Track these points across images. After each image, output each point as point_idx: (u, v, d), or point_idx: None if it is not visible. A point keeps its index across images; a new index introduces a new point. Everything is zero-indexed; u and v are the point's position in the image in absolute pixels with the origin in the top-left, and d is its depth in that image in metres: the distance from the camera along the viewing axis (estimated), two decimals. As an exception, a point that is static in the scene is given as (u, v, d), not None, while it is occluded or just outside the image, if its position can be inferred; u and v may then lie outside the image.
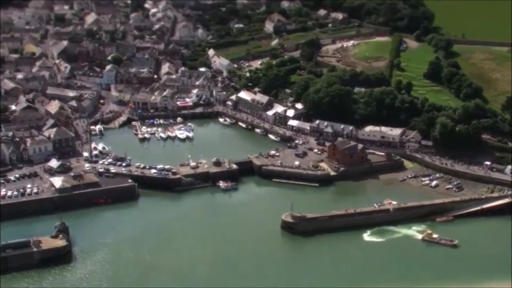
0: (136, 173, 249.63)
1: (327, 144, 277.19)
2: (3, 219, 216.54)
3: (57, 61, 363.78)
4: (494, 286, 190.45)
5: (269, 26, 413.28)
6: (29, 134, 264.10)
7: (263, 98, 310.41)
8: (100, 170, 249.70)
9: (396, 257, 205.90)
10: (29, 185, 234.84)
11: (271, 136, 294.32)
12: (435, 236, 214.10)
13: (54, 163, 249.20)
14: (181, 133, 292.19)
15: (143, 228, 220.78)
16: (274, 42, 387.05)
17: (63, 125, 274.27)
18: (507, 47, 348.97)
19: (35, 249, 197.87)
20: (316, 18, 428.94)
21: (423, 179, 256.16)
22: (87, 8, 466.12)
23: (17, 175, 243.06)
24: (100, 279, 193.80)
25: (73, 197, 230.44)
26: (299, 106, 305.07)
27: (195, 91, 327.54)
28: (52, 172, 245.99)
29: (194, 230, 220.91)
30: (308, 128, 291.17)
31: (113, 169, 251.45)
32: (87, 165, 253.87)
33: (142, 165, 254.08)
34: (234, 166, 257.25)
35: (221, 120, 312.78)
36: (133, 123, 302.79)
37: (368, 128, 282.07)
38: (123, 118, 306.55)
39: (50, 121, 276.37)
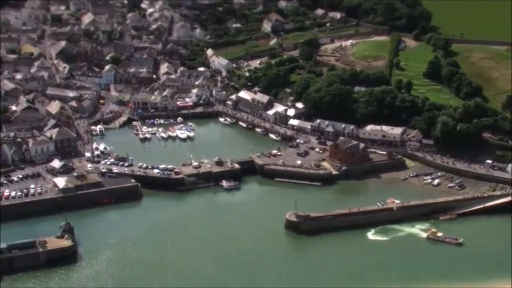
0: (138, 173, 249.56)
1: (328, 143, 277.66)
2: (7, 220, 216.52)
3: (55, 62, 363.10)
4: (501, 285, 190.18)
5: (267, 26, 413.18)
6: (30, 135, 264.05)
7: (263, 98, 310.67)
8: (103, 170, 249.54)
9: (401, 255, 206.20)
10: (32, 186, 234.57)
11: (272, 136, 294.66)
12: (439, 234, 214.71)
13: (56, 163, 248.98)
14: (182, 133, 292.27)
15: (147, 228, 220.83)
16: (273, 41, 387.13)
17: (64, 126, 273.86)
18: (505, 46, 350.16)
19: (41, 250, 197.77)
20: (313, 17, 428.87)
21: (425, 177, 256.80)
22: (83, 8, 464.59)
23: (20, 176, 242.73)
24: (106, 279, 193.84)
25: (77, 197, 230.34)
26: (299, 105, 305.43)
27: (194, 91, 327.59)
28: (55, 173, 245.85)
29: (198, 230, 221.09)
30: (309, 127, 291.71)
31: (115, 169, 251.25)
32: (89, 165, 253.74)
33: (144, 165, 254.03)
34: (237, 166, 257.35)
35: (221, 119, 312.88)
36: (134, 123, 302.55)
37: (369, 127, 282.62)
38: (123, 118, 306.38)
39: (51, 122, 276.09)
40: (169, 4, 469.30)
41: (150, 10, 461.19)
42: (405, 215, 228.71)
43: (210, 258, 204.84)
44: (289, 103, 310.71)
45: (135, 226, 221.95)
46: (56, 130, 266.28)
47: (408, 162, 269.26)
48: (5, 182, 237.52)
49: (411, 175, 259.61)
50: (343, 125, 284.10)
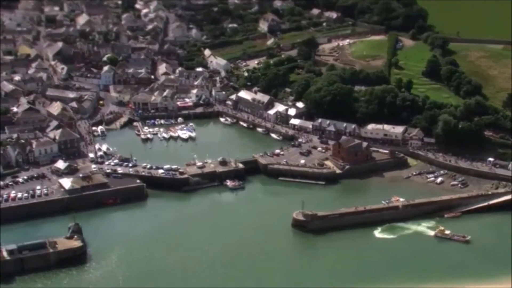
0: (143, 173, 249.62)
1: (330, 142, 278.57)
2: (14, 221, 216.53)
3: (52, 63, 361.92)
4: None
5: (263, 26, 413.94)
6: (33, 136, 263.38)
7: (263, 98, 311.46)
8: (107, 171, 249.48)
9: (410, 253, 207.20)
10: (38, 187, 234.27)
11: (273, 135, 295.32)
12: (447, 232, 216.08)
13: (61, 164, 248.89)
14: (183, 133, 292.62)
15: (154, 228, 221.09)
16: (270, 41, 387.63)
17: (66, 127, 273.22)
18: (501, 45, 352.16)
19: (51, 250, 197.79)
20: (309, 17, 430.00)
21: (428, 176, 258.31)
22: (77, 9, 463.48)
23: (25, 177, 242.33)
24: (117, 279, 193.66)
25: (83, 198, 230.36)
26: (300, 105, 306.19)
27: (194, 91, 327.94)
28: (60, 174, 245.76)
29: (205, 230, 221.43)
30: (310, 126, 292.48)
31: (120, 170, 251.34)
32: (93, 166, 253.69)
33: (148, 166, 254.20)
34: (241, 165, 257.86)
35: (222, 119, 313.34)
36: (134, 123, 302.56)
37: (371, 126, 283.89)
38: (124, 119, 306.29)
39: (54, 123, 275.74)
40: (163, 5, 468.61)
41: (144, 10, 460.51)
42: (411, 213, 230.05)
43: (219, 258, 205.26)
44: (290, 103, 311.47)
45: (142, 227, 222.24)
46: (59, 131, 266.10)
47: (410, 161, 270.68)
48: (10, 183, 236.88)
49: (414, 173, 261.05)
50: (345, 124, 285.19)
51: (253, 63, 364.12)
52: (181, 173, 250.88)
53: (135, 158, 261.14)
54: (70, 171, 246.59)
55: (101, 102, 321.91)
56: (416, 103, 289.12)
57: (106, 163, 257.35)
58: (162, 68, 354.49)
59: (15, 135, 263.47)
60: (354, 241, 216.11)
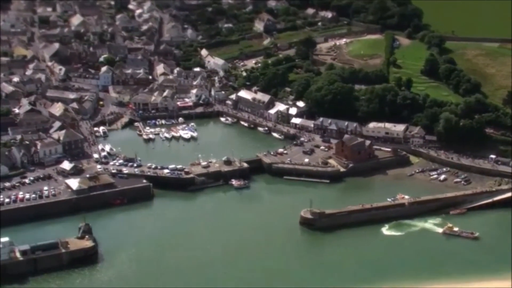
0: (149, 173, 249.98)
1: (333, 141, 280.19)
2: (23, 222, 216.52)
3: (49, 64, 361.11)
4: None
5: (259, 26, 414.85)
6: (37, 137, 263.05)
7: (264, 97, 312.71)
8: (113, 171, 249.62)
9: (420, 251, 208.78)
10: (45, 187, 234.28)
11: (275, 134, 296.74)
12: (456, 229, 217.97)
13: (66, 165, 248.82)
14: (185, 133, 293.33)
15: (162, 227, 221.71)
16: (267, 41, 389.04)
17: (69, 127, 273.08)
18: (497, 43, 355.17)
19: (63, 250, 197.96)
20: (304, 17, 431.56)
21: (430, 173, 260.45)
22: (70, 10, 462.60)
23: (32, 178, 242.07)
24: (130, 279, 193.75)
25: (90, 198, 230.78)
26: (300, 104, 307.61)
27: (194, 91, 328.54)
28: (65, 174, 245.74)
29: (213, 229, 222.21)
30: (312, 125, 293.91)
31: (125, 170, 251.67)
32: (98, 166, 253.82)
33: (153, 166, 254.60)
34: (245, 165, 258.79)
35: (222, 119, 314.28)
36: (136, 124, 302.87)
37: (372, 125, 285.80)
38: (125, 120, 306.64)
39: (57, 124, 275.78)
40: (156, 5, 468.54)
41: (138, 11, 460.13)
42: (417, 210, 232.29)
43: (228, 256, 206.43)
44: (290, 102, 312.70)
45: (150, 226, 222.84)
46: (63, 132, 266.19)
47: (412, 158, 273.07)
48: (17, 184, 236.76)
49: (417, 171, 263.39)
50: (346, 123, 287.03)
51: (251, 63, 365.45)
52: (187, 173, 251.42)
53: (139, 158, 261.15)
54: (75, 172, 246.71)
55: (101, 102, 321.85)
56: (416, 102, 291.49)
57: (111, 163, 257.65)
58: (160, 68, 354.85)
59: (18, 136, 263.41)
60: (362, 238, 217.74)
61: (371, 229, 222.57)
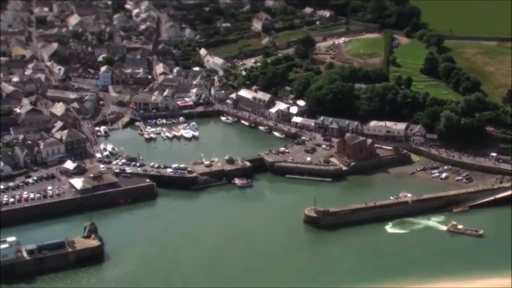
0: (152, 172, 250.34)
1: (334, 140, 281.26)
2: (27, 221, 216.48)
3: (48, 64, 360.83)
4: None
5: (257, 25, 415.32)
6: (40, 137, 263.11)
7: (264, 96, 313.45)
8: (116, 170, 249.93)
9: (425, 248, 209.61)
10: (49, 187, 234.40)
11: (276, 133, 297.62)
12: (460, 227, 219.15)
13: (70, 164, 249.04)
14: (186, 132, 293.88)
15: (167, 226, 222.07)
16: (265, 40, 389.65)
17: (71, 127, 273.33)
18: (495, 41, 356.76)
19: (70, 250, 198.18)
20: (301, 16, 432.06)
21: (432, 171, 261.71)
22: (66, 10, 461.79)
23: (35, 178, 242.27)
24: (137, 278, 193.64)
25: (95, 198, 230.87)
26: (300, 103, 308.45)
27: (194, 90, 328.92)
28: (69, 174, 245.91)
29: (217, 228, 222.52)
30: (313, 124, 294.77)
31: (128, 169, 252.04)
32: (101, 166, 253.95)
33: (156, 165, 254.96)
34: (248, 164, 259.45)
35: (223, 118, 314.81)
36: (137, 123, 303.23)
37: (373, 123, 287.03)
38: (125, 119, 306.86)
39: (58, 124, 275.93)
40: (153, 5, 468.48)
41: (135, 11, 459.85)
42: (420, 208, 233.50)
43: (233, 255, 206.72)
44: (290, 101, 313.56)
45: (154, 225, 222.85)
46: (65, 131, 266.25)
47: (414, 157, 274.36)
48: (21, 184, 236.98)
49: (418, 169, 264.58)
50: (347, 122, 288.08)
51: (250, 62, 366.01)
52: (190, 172, 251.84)
53: (141, 157, 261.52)
54: (79, 171, 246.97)
55: (101, 102, 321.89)
56: (416, 100, 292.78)
57: (114, 162, 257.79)
58: (159, 68, 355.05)
59: (21, 136, 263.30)
60: (367, 236, 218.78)
61: (375, 227, 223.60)
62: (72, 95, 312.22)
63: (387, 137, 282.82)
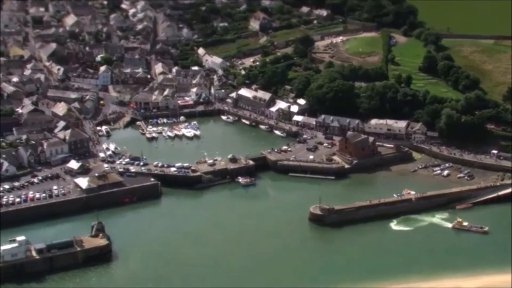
0: (156, 171, 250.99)
1: (335, 138, 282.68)
2: (33, 221, 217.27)
3: (47, 64, 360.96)
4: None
5: (254, 24, 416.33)
6: (43, 137, 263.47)
7: (265, 95, 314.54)
8: (120, 170, 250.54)
9: (431, 245, 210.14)
10: (55, 187, 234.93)
11: (277, 132, 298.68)
12: (465, 224, 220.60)
13: (74, 164, 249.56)
14: (188, 131, 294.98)
15: (173, 225, 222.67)
16: (263, 39, 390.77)
17: (73, 127, 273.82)
18: (492, 39, 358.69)
19: (78, 249, 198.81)
20: (298, 15, 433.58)
21: (434, 169, 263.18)
22: (62, 10, 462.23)
23: (40, 177, 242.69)
24: (146, 277, 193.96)
25: (100, 197, 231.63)
26: (301, 102, 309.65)
27: (194, 89, 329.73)
28: (73, 174, 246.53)
29: (222, 226, 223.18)
30: (314, 123, 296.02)
31: (132, 169, 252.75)
32: (105, 165, 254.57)
33: (160, 164, 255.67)
34: (251, 162, 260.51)
35: (223, 117, 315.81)
36: (138, 123, 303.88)
37: (374, 121, 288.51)
38: (126, 119, 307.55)
39: (61, 123, 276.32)
40: (150, 4, 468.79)
41: (132, 10, 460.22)
42: (424, 205, 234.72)
43: (239, 253, 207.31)
44: (291, 100, 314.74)
45: (160, 224, 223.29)
46: (68, 131, 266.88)
47: (415, 155, 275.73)
48: (26, 184, 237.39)
49: (420, 167, 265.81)
50: (348, 120, 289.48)
51: (249, 61, 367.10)
52: (193, 171, 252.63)
53: (145, 156, 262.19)
54: (83, 171, 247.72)
55: (101, 102, 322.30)
56: (417, 98, 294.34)
57: (117, 162, 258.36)
58: (158, 67, 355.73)
59: (24, 136, 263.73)
60: (372, 233, 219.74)
61: (380, 224, 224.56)
62: (73, 95, 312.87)
63: (388, 135, 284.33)
